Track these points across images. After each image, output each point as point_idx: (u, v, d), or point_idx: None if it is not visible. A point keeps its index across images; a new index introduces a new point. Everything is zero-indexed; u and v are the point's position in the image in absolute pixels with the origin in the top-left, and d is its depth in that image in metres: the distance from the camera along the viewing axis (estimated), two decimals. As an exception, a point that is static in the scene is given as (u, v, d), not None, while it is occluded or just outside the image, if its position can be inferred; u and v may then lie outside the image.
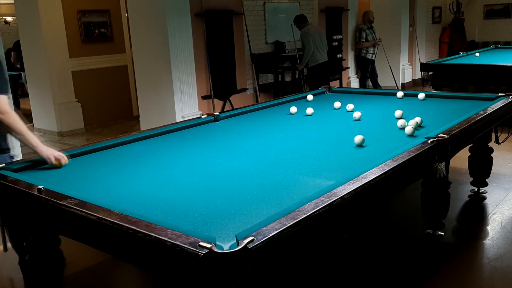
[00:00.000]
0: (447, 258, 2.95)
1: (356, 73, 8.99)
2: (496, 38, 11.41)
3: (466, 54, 7.62)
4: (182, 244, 1.47)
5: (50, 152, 2.57)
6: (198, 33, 5.97)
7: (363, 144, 2.68)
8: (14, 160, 2.75)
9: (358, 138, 2.70)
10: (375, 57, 8.43)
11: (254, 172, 2.35)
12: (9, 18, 12.09)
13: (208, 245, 1.42)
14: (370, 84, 8.64)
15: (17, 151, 4.28)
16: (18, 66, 8.09)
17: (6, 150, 2.76)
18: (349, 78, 8.85)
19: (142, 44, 5.69)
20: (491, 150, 3.78)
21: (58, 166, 2.56)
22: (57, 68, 6.77)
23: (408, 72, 9.98)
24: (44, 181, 2.21)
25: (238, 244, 1.45)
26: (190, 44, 5.73)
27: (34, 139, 2.57)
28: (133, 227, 1.63)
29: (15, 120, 2.54)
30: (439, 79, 6.54)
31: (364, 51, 8.35)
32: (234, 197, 2.01)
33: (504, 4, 11.47)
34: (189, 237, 1.50)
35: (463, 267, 2.84)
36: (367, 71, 8.43)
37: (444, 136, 2.61)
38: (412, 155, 2.34)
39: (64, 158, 2.59)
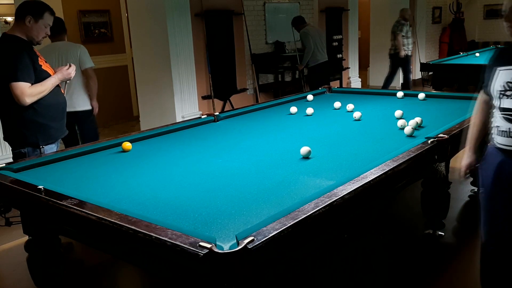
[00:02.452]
0: (447, 258, 2.95)
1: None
2: (496, 38, 11.40)
3: (466, 54, 7.62)
4: (182, 244, 1.47)
5: (62, 74, 2.98)
6: (198, 33, 5.97)
7: (310, 156, 2.51)
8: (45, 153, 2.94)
9: (304, 150, 2.51)
10: (411, 53, 8.11)
11: (254, 172, 2.35)
12: (9, 18, 12.08)
13: (208, 245, 1.42)
14: (392, 84, 8.34)
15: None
16: None
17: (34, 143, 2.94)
18: (349, 78, 8.85)
19: (142, 44, 5.69)
20: (491, 150, 3.78)
21: (125, 149, 2.86)
22: (57, 68, 6.77)
23: (408, 72, 9.97)
24: (44, 181, 2.21)
25: (238, 244, 1.45)
26: (190, 44, 5.73)
27: (50, 80, 2.91)
28: (133, 227, 1.62)
29: (37, 89, 2.82)
30: (439, 79, 6.54)
31: (394, 49, 7.96)
32: (234, 197, 2.01)
33: (504, 4, 11.46)
34: (189, 237, 1.50)
35: (463, 267, 2.84)
36: (397, 68, 8.05)
37: (444, 136, 2.61)
38: (412, 155, 2.34)
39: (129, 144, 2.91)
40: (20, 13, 2.87)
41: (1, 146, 4.70)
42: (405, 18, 7.93)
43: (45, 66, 2.97)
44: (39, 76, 2.88)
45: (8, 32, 2.92)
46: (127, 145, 2.86)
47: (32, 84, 2.82)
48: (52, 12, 2.95)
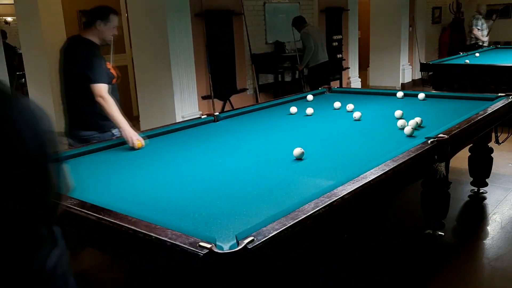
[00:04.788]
0: (447, 258, 2.95)
1: None
2: (496, 38, 11.39)
3: (466, 54, 7.61)
4: (182, 244, 1.47)
5: (131, 135, 2.97)
6: (198, 33, 5.97)
7: (302, 158, 2.48)
8: (115, 137, 3.18)
9: (297, 151, 2.49)
10: (487, 43, 8.89)
11: (254, 172, 2.35)
12: (9, 18, 12.08)
13: (208, 245, 1.42)
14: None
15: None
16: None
17: (107, 128, 3.23)
18: (349, 78, 8.85)
19: (142, 44, 5.69)
20: (491, 150, 3.78)
21: (137, 148, 2.92)
22: (57, 68, 6.76)
23: (408, 72, 9.98)
24: (44, 181, 2.21)
25: (238, 244, 1.45)
26: (190, 44, 5.72)
27: (123, 123, 3.02)
28: (133, 227, 1.62)
29: (110, 105, 3.03)
30: (439, 79, 6.54)
31: (474, 39, 8.76)
32: (234, 197, 2.01)
33: (504, 4, 11.47)
34: (189, 237, 1.50)
35: (463, 267, 2.84)
36: None
37: (444, 136, 2.61)
38: (412, 155, 2.34)
39: (141, 142, 2.97)
40: (91, 19, 3.20)
41: (1, 146, 4.70)
42: (480, 12, 8.90)
43: (109, 66, 3.28)
44: (108, 74, 3.18)
45: (82, 36, 3.21)
46: (139, 143, 2.93)
47: (106, 84, 3.10)
48: (116, 13, 3.26)
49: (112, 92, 3.18)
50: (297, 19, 6.83)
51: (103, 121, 3.18)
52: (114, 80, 3.28)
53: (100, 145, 2.91)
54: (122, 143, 2.97)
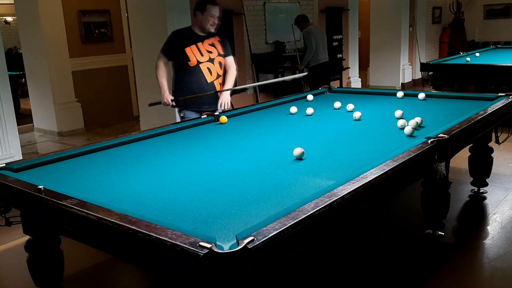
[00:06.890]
0: (447, 258, 2.95)
1: None
2: (496, 38, 11.40)
3: (466, 54, 7.61)
4: (182, 244, 1.47)
5: (164, 99, 3.81)
6: (198, 33, 5.95)
7: (303, 157, 2.48)
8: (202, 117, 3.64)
9: (297, 151, 2.49)
10: None
11: (254, 172, 2.35)
12: (9, 18, 12.09)
13: (208, 245, 1.42)
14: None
15: (17, 151, 4.32)
16: None
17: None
18: (349, 78, 8.85)
19: (142, 44, 5.68)
20: (491, 150, 3.78)
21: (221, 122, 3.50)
22: (57, 68, 6.77)
23: (408, 72, 9.99)
24: (44, 181, 2.21)
25: (238, 244, 1.45)
26: (190, 44, 5.71)
27: (164, 88, 3.78)
28: (133, 227, 1.63)
29: (157, 72, 3.77)
30: (439, 79, 6.54)
31: None
32: (234, 197, 2.01)
33: (504, 4, 11.47)
34: (189, 237, 1.50)
35: (463, 267, 2.84)
36: None
37: (444, 136, 2.61)
38: (412, 155, 2.34)
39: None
40: (193, 10, 3.79)
41: (1, 146, 4.70)
42: None
43: (191, 52, 3.72)
44: (179, 55, 3.73)
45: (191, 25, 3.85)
46: (223, 119, 3.43)
47: (168, 59, 3.78)
48: (213, 3, 3.66)
49: (195, 75, 3.72)
50: (300, 17, 6.81)
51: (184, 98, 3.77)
52: (190, 63, 3.72)
53: (100, 145, 2.91)
54: (121, 143, 2.97)
